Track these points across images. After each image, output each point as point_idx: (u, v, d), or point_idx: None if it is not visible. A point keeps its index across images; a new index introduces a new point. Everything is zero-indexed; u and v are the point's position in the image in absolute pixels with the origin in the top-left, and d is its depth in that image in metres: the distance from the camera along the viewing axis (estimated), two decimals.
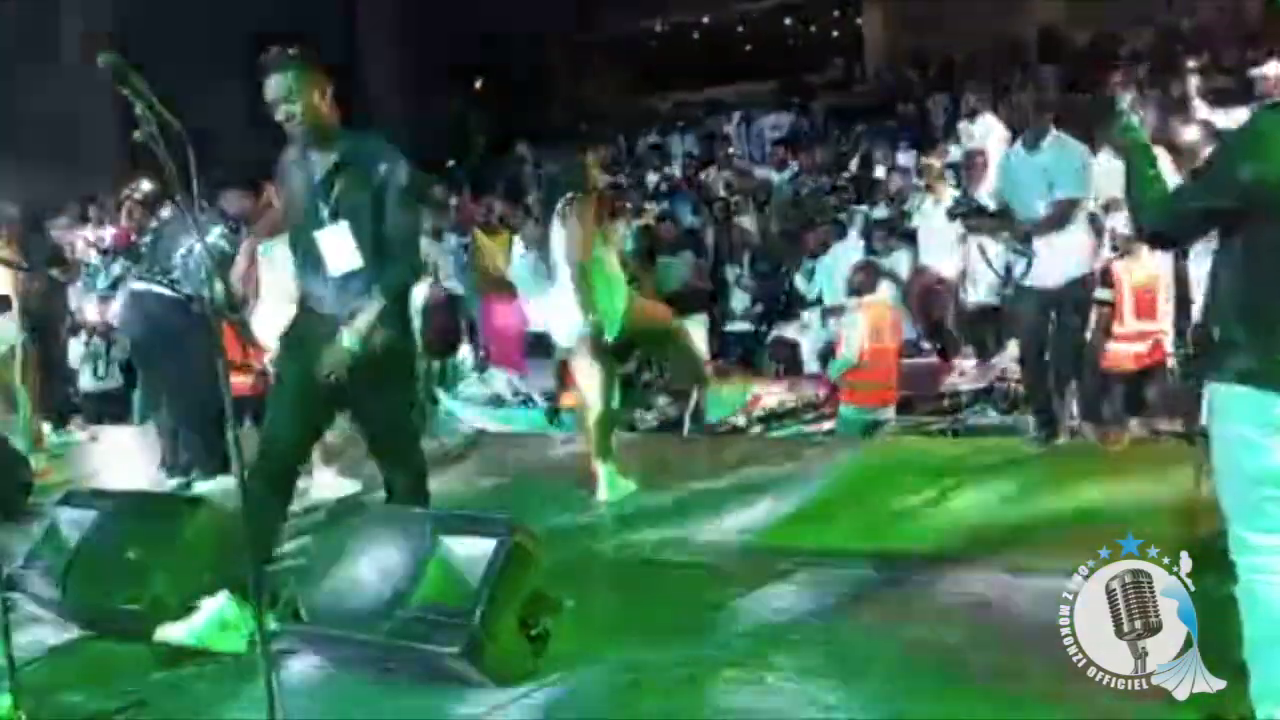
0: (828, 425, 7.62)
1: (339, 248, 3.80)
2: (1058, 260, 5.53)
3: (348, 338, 3.74)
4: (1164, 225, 2.67)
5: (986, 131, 9.83)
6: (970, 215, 7.26)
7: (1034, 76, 5.72)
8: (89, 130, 13.77)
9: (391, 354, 3.83)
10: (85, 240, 11.36)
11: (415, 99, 18.61)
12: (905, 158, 11.34)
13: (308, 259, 3.92)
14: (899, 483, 5.20)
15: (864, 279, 7.60)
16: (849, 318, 7.50)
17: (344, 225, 3.78)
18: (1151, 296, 6.87)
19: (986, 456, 5.70)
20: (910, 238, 9.16)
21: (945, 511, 4.65)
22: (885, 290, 8.13)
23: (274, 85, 3.72)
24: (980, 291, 8.67)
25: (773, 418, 7.95)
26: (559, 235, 5.14)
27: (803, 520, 4.78)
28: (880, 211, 9.94)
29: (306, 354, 3.86)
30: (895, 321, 7.84)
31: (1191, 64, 10.79)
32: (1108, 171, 5.56)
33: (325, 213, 3.80)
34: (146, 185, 9.96)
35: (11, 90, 13.12)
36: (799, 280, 9.32)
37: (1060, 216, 5.49)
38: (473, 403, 8.84)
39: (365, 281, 3.79)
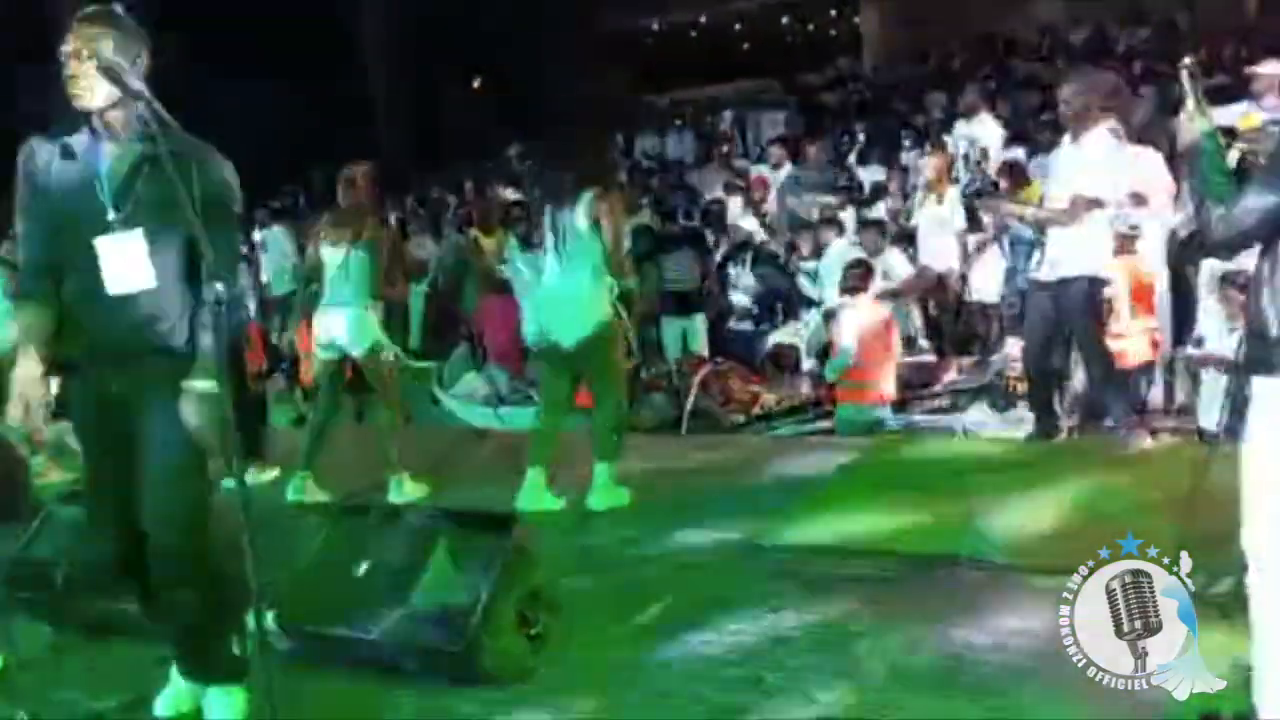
0: (826, 424, 7.62)
1: (128, 260, 2.92)
2: (1068, 256, 5.48)
3: (206, 380, 2.88)
4: (1230, 218, 2.63)
5: (983, 130, 9.84)
6: (984, 195, 7.23)
7: (1081, 74, 5.68)
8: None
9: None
10: None
11: (414, 98, 18.61)
12: (904, 156, 11.33)
13: (80, 275, 2.96)
14: (897, 482, 5.20)
15: (858, 278, 7.60)
16: (844, 316, 7.50)
17: (138, 233, 2.91)
18: (1149, 293, 6.87)
19: (985, 455, 5.70)
20: (909, 237, 9.15)
21: (944, 511, 4.64)
22: (880, 288, 8.13)
23: (79, 39, 2.89)
24: (980, 289, 8.68)
25: (772, 417, 7.95)
26: (583, 230, 4.89)
27: (801, 519, 4.77)
28: (879, 210, 9.93)
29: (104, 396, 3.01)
30: (890, 319, 7.83)
31: (1188, 61, 10.77)
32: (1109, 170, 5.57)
33: (114, 216, 2.92)
34: None
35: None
36: (803, 281, 9.31)
37: (1074, 212, 5.43)
38: (472, 401, 8.84)
39: (165, 304, 2.91)
